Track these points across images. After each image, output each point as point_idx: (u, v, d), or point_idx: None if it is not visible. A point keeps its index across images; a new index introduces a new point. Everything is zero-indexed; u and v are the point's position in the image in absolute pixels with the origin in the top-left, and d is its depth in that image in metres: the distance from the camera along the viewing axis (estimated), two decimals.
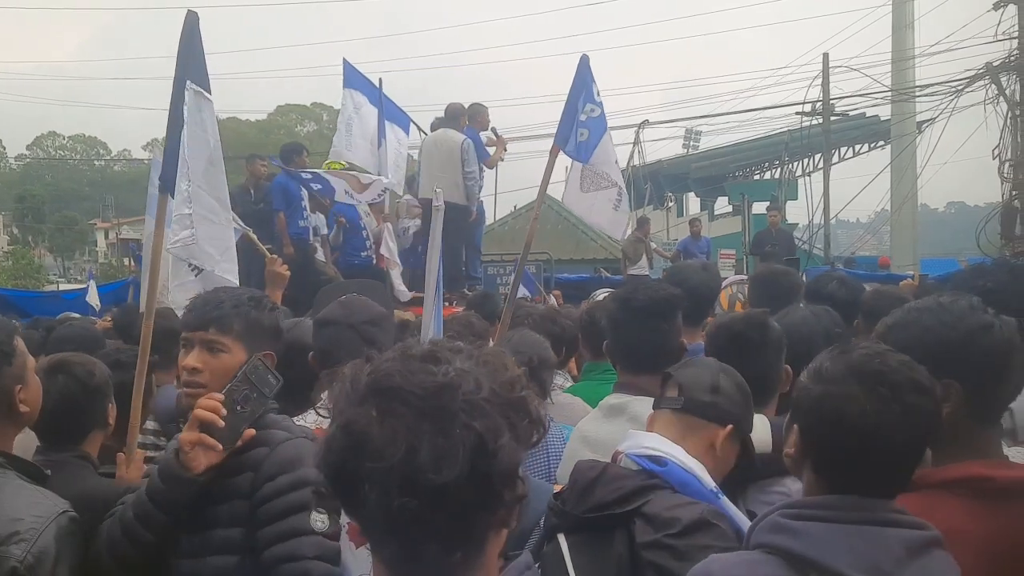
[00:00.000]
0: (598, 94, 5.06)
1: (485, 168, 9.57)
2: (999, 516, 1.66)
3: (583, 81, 4.96)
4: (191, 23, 3.41)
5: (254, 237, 5.52)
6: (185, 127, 3.33)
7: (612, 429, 2.44)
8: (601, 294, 5.90)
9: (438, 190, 5.53)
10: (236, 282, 3.44)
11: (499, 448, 1.02)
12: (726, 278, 7.39)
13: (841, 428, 1.54)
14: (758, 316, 2.45)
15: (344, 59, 9.27)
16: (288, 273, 4.43)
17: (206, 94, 3.41)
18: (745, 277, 5.93)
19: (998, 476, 1.70)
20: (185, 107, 3.34)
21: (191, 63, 3.39)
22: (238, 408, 2.05)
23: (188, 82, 3.34)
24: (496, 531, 1.11)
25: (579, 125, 4.95)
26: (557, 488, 2.07)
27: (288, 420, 2.26)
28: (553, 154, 4.95)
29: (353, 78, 9.24)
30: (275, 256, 4.74)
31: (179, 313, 3.27)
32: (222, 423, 2.02)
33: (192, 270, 3.36)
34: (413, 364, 1.06)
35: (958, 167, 22.09)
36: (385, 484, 0.99)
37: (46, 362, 2.61)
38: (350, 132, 9.05)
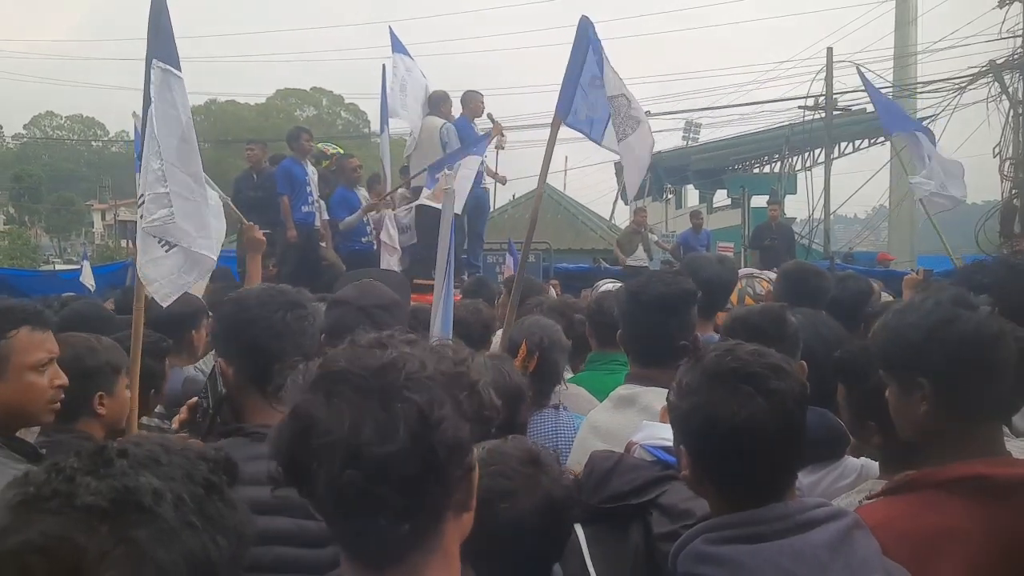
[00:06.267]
0: (600, 63, 4.53)
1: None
2: (999, 515, 1.66)
3: (582, 46, 4.51)
4: (159, 1, 3.39)
5: (233, 206, 5.51)
6: (152, 105, 3.31)
7: (622, 420, 2.44)
8: (606, 284, 5.89)
9: (448, 172, 5.47)
10: (214, 257, 3.43)
11: (440, 419, 1.04)
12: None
13: (716, 435, 1.53)
14: (775, 310, 2.45)
15: (390, 26, 9.40)
16: (264, 239, 4.51)
17: (175, 71, 3.38)
18: (753, 271, 5.90)
19: (997, 474, 1.70)
20: (151, 86, 3.32)
21: (158, 41, 3.38)
22: (196, 418, 2.00)
23: (154, 60, 3.33)
24: (455, 514, 1.12)
25: (582, 95, 4.53)
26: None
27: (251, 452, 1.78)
28: (555, 126, 4.55)
29: (398, 44, 9.28)
30: (252, 223, 4.80)
31: (149, 289, 3.25)
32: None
33: (162, 245, 3.32)
34: (360, 350, 1.10)
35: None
36: (331, 459, 1.02)
37: None
38: (404, 93, 9.07)
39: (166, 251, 3.29)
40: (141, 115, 3.39)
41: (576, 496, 1.80)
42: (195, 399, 2.07)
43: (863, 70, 5.97)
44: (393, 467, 1.01)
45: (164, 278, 3.28)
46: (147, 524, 0.86)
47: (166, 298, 3.30)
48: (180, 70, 3.42)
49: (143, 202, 3.31)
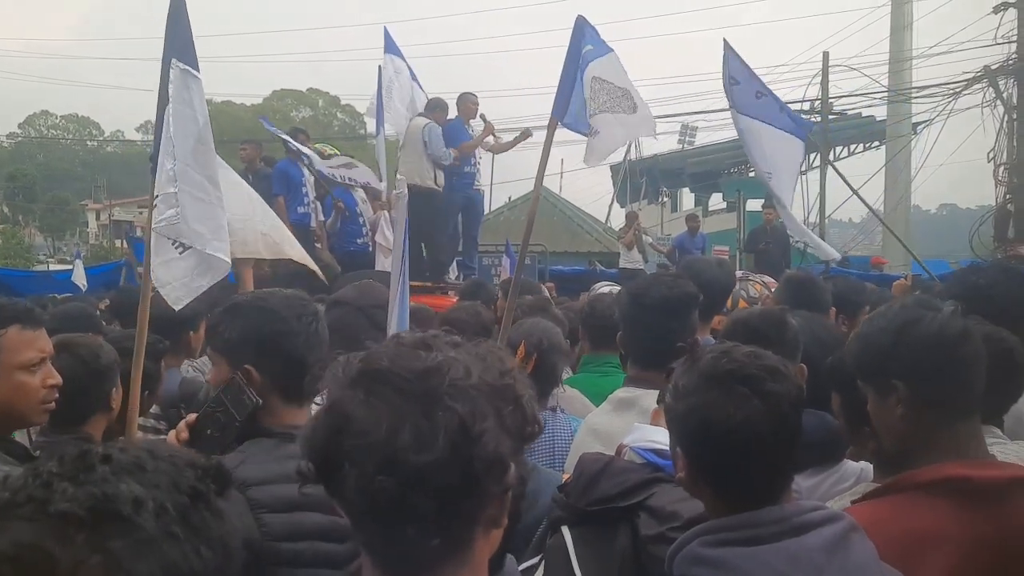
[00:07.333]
0: (586, 48, 4.58)
1: (473, 156, 9.49)
2: (979, 517, 1.66)
3: (576, 45, 4.56)
4: (178, 1, 3.40)
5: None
6: (170, 105, 3.31)
7: (621, 423, 2.42)
8: (601, 287, 5.89)
9: (400, 177, 5.50)
10: (228, 259, 3.41)
11: (482, 432, 1.01)
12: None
13: (712, 437, 1.53)
14: (776, 313, 2.45)
15: (384, 26, 9.33)
16: None
17: (193, 72, 3.38)
18: (748, 273, 5.93)
19: (976, 476, 1.70)
20: (170, 85, 3.33)
21: (177, 41, 3.38)
22: (208, 432, 1.91)
23: (173, 60, 3.34)
24: (485, 529, 1.08)
25: (574, 94, 4.54)
26: (565, 477, 2.07)
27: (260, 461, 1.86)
28: (551, 128, 4.55)
29: (391, 45, 9.22)
30: None
31: (161, 291, 3.24)
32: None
33: (176, 247, 3.31)
34: (404, 350, 1.06)
35: (951, 169, 22.20)
36: (365, 463, 0.99)
37: (53, 341, 2.60)
38: (391, 96, 9.01)
39: (180, 253, 3.28)
40: (156, 115, 3.39)
41: (525, 490, 1.80)
42: (194, 416, 1.96)
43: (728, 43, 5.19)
44: (429, 477, 0.98)
45: (177, 280, 3.27)
46: (125, 534, 0.82)
47: (178, 301, 3.28)
48: (199, 70, 3.42)
49: (156, 204, 3.31)
